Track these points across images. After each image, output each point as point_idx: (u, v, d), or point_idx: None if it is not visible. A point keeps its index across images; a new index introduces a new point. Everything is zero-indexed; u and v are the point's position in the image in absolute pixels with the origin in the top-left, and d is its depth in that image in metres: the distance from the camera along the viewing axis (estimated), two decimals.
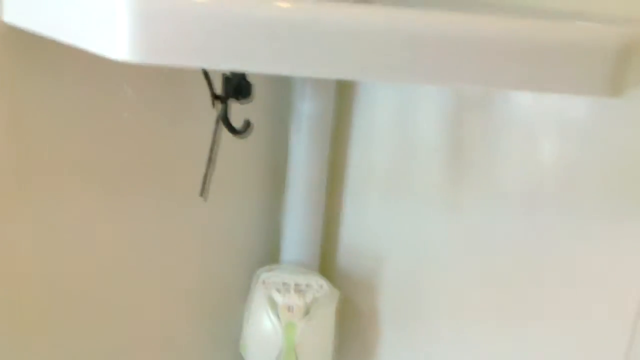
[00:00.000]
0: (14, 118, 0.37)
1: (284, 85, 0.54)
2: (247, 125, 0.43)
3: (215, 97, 0.36)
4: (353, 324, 0.59)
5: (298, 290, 0.53)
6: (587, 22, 0.29)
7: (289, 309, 0.53)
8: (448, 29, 0.28)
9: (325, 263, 0.60)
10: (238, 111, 0.44)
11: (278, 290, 0.53)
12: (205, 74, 0.36)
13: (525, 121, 0.46)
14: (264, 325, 0.54)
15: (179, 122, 0.46)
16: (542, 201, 0.46)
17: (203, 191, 0.35)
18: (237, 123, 0.43)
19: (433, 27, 0.28)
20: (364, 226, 0.58)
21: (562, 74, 0.29)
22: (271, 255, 0.60)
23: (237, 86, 0.41)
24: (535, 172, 0.46)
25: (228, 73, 0.37)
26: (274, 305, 0.53)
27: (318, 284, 0.53)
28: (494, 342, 0.51)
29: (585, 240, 0.44)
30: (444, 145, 0.51)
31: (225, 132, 0.42)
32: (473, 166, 0.49)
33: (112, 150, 0.42)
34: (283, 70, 0.27)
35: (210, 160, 0.36)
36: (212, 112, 0.41)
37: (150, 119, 0.44)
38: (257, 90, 0.44)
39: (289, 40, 0.27)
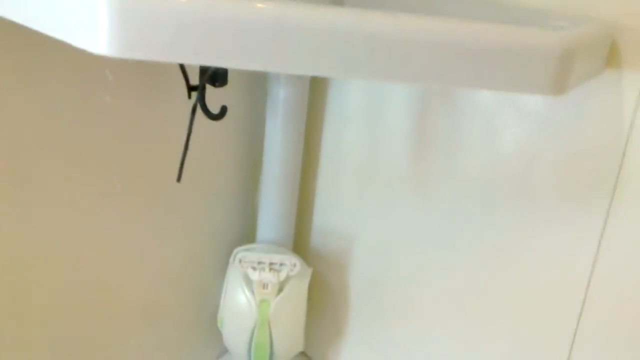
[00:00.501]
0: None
1: (259, 71, 0.56)
2: (224, 110, 0.45)
3: (190, 88, 0.38)
4: (324, 299, 0.62)
5: (272, 268, 0.56)
6: (533, 27, 0.32)
7: (264, 286, 0.56)
8: (406, 31, 0.31)
9: (299, 242, 0.63)
10: (214, 96, 0.46)
11: (253, 268, 0.56)
12: (181, 66, 0.38)
13: (485, 111, 0.48)
14: (239, 301, 0.57)
15: (157, 107, 0.48)
16: (500, 186, 0.49)
17: (179, 175, 0.37)
18: (214, 107, 0.45)
19: (393, 29, 0.31)
20: (336, 208, 0.61)
21: (511, 75, 0.31)
22: (247, 236, 0.62)
23: (213, 74, 0.42)
24: (494, 159, 0.49)
25: None
26: (249, 282, 0.56)
27: (292, 263, 0.56)
28: (454, 317, 0.54)
29: (540, 225, 0.48)
30: (411, 132, 0.53)
31: (203, 117, 0.44)
32: (437, 153, 0.52)
33: (94, 133, 0.44)
34: (252, 66, 0.29)
35: (186, 146, 0.38)
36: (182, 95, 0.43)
37: (130, 104, 0.45)
38: (233, 75, 0.46)
39: (258, 38, 0.29)
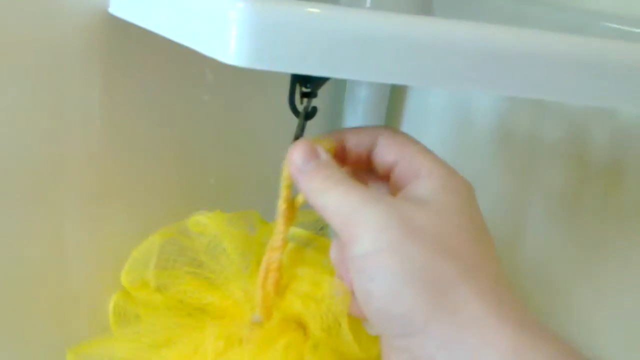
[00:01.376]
0: (110, 99, 0.41)
1: None
2: (314, 111, 0.45)
3: (292, 97, 0.39)
4: None
5: None
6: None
7: None
8: (531, 46, 0.30)
9: None
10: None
11: None
12: (293, 77, 0.38)
13: (575, 116, 0.48)
14: None
15: (252, 106, 0.49)
16: (596, 183, 0.49)
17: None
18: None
19: (502, 42, 0.31)
20: None
21: (630, 91, 0.31)
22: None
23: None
24: (580, 170, 0.49)
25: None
26: None
27: None
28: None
29: None
30: (495, 133, 0.53)
31: (290, 114, 0.45)
32: (520, 161, 0.52)
33: (193, 130, 0.46)
34: (376, 79, 0.30)
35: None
36: (281, 95, 0.43)
37: (227, 102, 0.47)
38: None
39: (383, 52, 0.29)
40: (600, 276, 0.49)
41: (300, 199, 0.36)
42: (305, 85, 0.43)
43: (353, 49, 0.29)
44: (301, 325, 0.39)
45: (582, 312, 0.50)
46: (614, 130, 0.46)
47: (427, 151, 0.34)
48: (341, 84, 0.57)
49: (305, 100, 0.41)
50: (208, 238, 0.42)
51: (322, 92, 0.59)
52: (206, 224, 0.42)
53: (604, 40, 0.33)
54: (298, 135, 0.38)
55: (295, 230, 0.43)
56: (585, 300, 0.50)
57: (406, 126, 0.59)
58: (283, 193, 0.37)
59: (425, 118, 0.57)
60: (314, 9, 0.29)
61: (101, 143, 0.42)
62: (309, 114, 0.46)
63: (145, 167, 0.45)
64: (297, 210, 0.37)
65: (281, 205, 0.37)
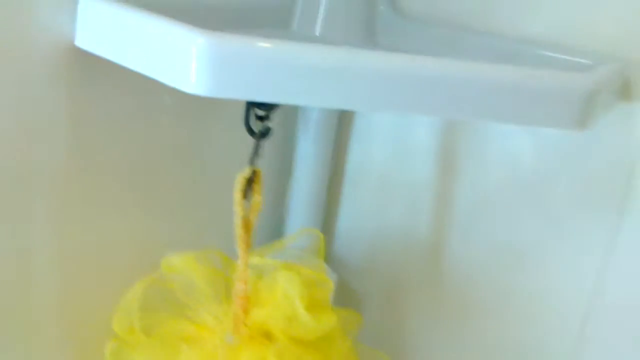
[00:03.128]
0: (74, 126, 0.43)
1: None
2: (267, 130, 0.49)
3: (247, 120, 0.42)
4: (347, 304, 0.66)
5: None
6: (561, 71, 0.36)
7: None
8: (452, 73, 0.35)
9: (325, 249, 0.67)
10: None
11: None
12: (247, 107, 0.42)
13: (506, 135, 0.53)
14: None
15: (209, 129, 0.52)
16: (519, 201, 0.54)
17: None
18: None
19: (434, 72, 0.35)
20: (358, 219, 0.65)
21: (541, 112, 0.36)
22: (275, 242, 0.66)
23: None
24: (513, 178, 0.54)
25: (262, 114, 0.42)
26: None
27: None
28: (477, 318, 0.59)
29: (553, 238, 0.52)
30: (434, 148, 0.58)
31: (245, 134, 0.48)
32: (460, 170, 0.57)
33: (151, 151, 0.48)
34: (325, 104, 0.34)
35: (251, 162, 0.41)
36: (236, 118, 0.46)
37: (184, 124, 0.50)
38: None
39: (328, 80, 0.33)
40: None
41: (252, 218, 0.40)
42: (260, 108, 0.47)
43: (301, 79, 0.33)
44: (267, 337, 0.42)
45: None
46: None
47: None
48: (294, 106, 0.61)
49: (259, 122, 0.45)
50: (181, 277, 0.45)
51: (276, 113, 0.63)
52: (178, 264, 0.45)
53: (524, 67, 0.38)
54: (253, 155, 0.42)
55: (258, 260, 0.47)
56: None
57: (354, 145, 0.63)
58: (238, 213, 0.40)
59: (371, 137, 0.62)
60: (265, 44, 0.32)
61: (67, 168, 0.44)
62: (264, 133, 0.49)
63: (109, 188, 0.47)
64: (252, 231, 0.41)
65: (238, 230, 0.41)
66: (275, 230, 0.66)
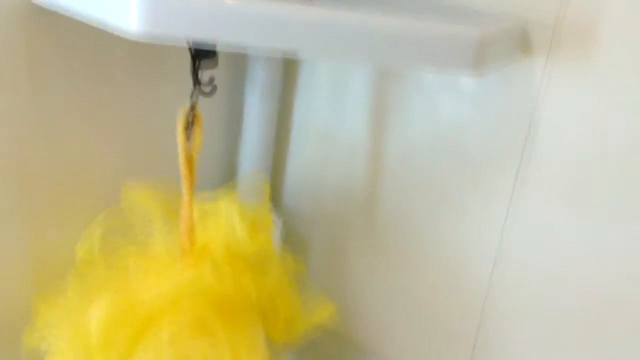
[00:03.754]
0: (34, 74, 0.48)
1: (242, 55, 0.66)
2: (214, 87, 0.54)
3: (195, 71, 0.47)
4: (293, 246, 0.73)
5: None
6: (462, 24, 0.42)
7: None
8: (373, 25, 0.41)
9: (272, 199, 0.73)
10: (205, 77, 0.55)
11: None
12: (190, 50, 0.47)
13: (428, 90, 0.59)
14: None
15: (158, 82, 0.57)
16: (439, 151, 0.60)
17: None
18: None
19: (354, 22, 0.41)
20: (304, 170, 0.71)
21: (444, 58, 0.42)
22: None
23: (209, 56, 0.51)
24: (434, 128, 0.60)
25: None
26: None
27: None
28: (401, 258, 0.66)
29: (466, 185, 0.59)
30: (367, 105, 0.64)
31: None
32: (389, 122, 0.63)
33: (106, 101, 0.53)
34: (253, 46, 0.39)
35: (192, 109, 0.47)
36: (185, 72, 0.52)
37: (135, 77, 0.55)
38: (221, 59, 0.55)
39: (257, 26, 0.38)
40: None
41: (194, 155, 0.46)
42: (200, 58, 0.52)
43: (230, 19, 0.38)
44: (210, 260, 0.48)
45: None
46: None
47: None
48: (242, 67, 0.66)
49: (204, 73, 0.50)
50: (138, 210, 0.50)
51: (225, 74, 0.68)
52: (135, 195, 0.50)
53: (429, 20, 0.44)
54: (193, 96, 0.47)
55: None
56: None
57: (298, 102, 0.69)
58: (181, 152, 0.46)
59: (313, 95, 0.68)
60: None
61: (29, 109, 0.49)
62: (210, 91, 0.54)
63: (69, 124, 0.53)
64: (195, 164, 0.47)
65: (182, 166, 0.47)
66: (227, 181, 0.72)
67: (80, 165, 0.55)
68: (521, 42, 0.52)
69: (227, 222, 0.50)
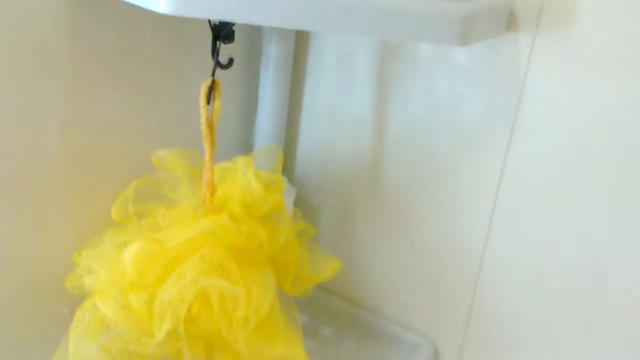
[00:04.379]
0: (75, 54, 0.55)
1: (256, 34, 0.72)
2: (231, 61, 0.60)
3: (215, 44, 0.54)
4: (304, 213, 0.79)
5: None
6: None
7: None
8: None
9: (285, 171, 0.80)
10: (222, 52, 0.62)
11: None
12: (212, 27, 0.53)
13: (426, 65, 0.65)
14: None
15: (182, 59, 0.64)
16: (436, 121, 0.66)
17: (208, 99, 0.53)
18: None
19: None
20: (314, 143, 0.77)
21: (432, 30, 0.47)
22: None
23: (226, 32, 0.57)
24: (431, 101, 0.66)
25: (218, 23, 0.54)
26: None
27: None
28: (404, 222, 0.71)
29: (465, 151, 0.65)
30: (371, 80, 0.70)
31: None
32: (391, 96, 0.69)
33: (137, 76, 0.60)
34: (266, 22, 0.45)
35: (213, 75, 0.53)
36: (206, 53, 0.58)
37: (162, 55, 0.62)
38: (238, 39, 0.61)
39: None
40: None
41: (214, 120, 0.52)
42: (221, 40, 0.58)
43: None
44: (228, 213, 0.54)
45: None
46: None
47: None
48: (257, 46, 0.73)
49: (223, 50, 0.56)
50: (166, 172, 0.57)
51: (241, 52, 0.75)
52: (165, 157, 0.57)
53: None
54: (215, 68, 0.53)
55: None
56: None
57: (308, 79, 0.75)
58: (203, 116, 0.52)
59: (321, 72, 0.74)
60: None
61: (70, 72, 0.56)
62: (227, 64, 0.60)
63: (105, 88, 0.60)
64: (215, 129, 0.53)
65: (204, 130, 0.53)
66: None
67: (115, 135, 0.62)
68: (507, 18, 0.58)
69: (244, 181, 0.56)
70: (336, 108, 0.74)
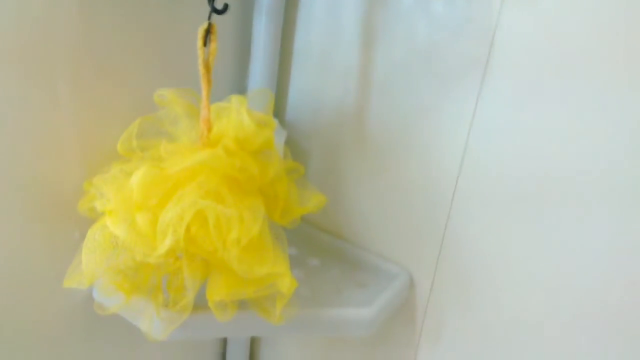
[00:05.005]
0: (82, 8, 0.60)
1: None
2: (226, 6, 0.65)
3: None
4: (294, 155, 0.85)
5: None
6: None
7: None
8: None
9: (277, 115, 0.85)
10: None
11: None
12: None
13: (407, 14, 0.70)
14: None
15: (180, 4, 0.69)
16: (413, 64, 0.71)
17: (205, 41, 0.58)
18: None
19: None
20: (304, 87, 0.83)
21: None
22: None
23: None
24: (412, 45, 0.71)
25: None
26: None
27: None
28: (387, 164, 0.78)
29: (439, 95, 0.70)
30: (358, 28, 0.75)
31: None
32: (377, 43, 0.74)
33: (142, 23, 0.66)
34: None
35: (209, 27, 0.58)
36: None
37: (164, 2, 0.67)
38: None
39: None
40: None
41: (211, 60, 0.57)
42: None
43: None
44: (223, 147, 0.60)
45: None
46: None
47: None
48: None
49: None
50: (167, 110, 0.62)
51: (235, 1, 0.79)
52: (166, 95, 0.62)
53: None
54: (210, 13, 0.58)
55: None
56: None
57: (299, 27, 0.80)
58: (200, 57, 0.57)
59: (312, 21, 0.78)
60: None
61: (81, 44, 0.61)
62: (222, 9, 0.65)
63: (113, 54, 0.65)
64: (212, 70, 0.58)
65: (201, 70, 0.58)
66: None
67: (121, 75, 0.67)
68: None
69: (237, 119, 0.62)
70: (325, 56, 0.79)
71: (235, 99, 0.63)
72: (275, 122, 0.69)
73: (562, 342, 0.69)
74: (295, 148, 0.85)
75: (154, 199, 0.56)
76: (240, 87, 0.83)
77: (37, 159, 0.63)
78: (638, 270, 0.62)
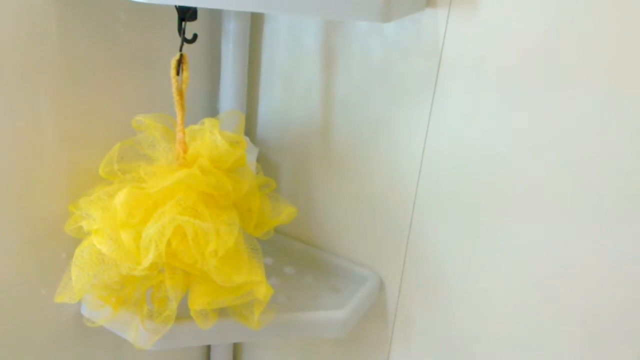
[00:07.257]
0: (64, 36, 0.65)
1: (216, 12, 0.82)
2: (195, 36, 0.70)
3: (180, 24, 0.64)
4: (266, 170, 0.90)
5: None
6: None
7: None
8: None
9: (248, 133, 0.90)
10: (187, 30, 0.71)
11: None
12: (178, 9, 0.63)
13: (363, 37, 0.76)
14: None
15: (153, 36, 0.74)
16: (370, 82, 0.77)
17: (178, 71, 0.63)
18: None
19: None
20: (272, 107, 0.88)
21: (353, 8, 0.58)
22: None
23: (190, 14, 0.67)
24: (368, 66, 0.77)
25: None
26: None
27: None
28: (351, 174, 0.83)
29: (396, 109, 0.76)
30: (318, 49, 0.80)
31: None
32: (336, 64, 0.80)
33: (116, 53, 0.70)
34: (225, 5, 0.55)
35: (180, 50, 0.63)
36: (174, 31, 0.68)
37: (136, 33, 0.72)
38: (199, 16, 0.71)
39: None
40: None
41: (184, 88, 0.63)
42: (186, 20, 0.68)
43: None
44: (198, 166, 0.65)
45: None
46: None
47: None
48: (217, 22, 0.83)
49: (188, 28, 0.66)
50: (145, 133, 0.67)
51: (204, 28, 0.85)
52: (143, 121, 0.67)
53: None
54: (182, 44, 0.63)
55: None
56: None
57: (265, 50, 0.85)
58: (174, 86, 0.63)
59: (276, 43, 0.84)
60: None
61: (60, 64, 0.65)
62: (192, 39, 0.70)
63: (92, 73, 0.70)
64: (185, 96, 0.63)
65: (175, 97, 0.64)
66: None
67: (100, 103, 0.72)
68: None
69: (211, 140, 0.67)
70: (290, 76, 0.84)
71: (208, 121, 0.68)
72: (246, 141, 0.74)
73: (527, 338, 0.75)
74: (266, 164, 0.90)
75: (136, 217, 0.61)
76: (212, 110, 0.88)
77: (25, 185, 0.67)
78: (597, 276, 0.68)
